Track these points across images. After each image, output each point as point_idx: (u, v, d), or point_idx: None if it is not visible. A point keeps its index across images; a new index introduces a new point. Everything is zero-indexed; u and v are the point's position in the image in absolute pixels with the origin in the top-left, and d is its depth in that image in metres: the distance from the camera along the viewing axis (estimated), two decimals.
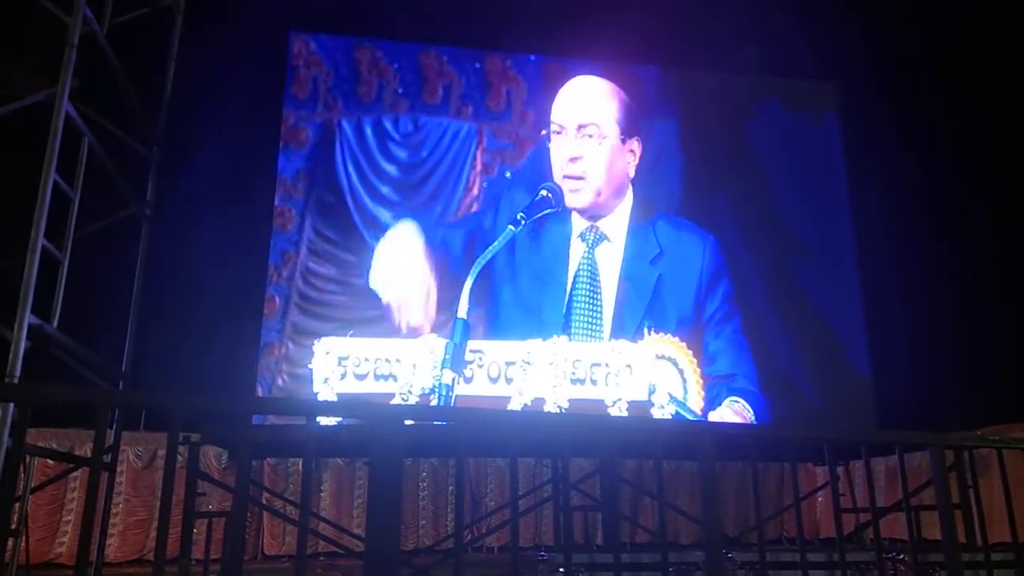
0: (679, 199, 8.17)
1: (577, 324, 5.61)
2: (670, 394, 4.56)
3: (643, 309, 5.53)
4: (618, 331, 5.51)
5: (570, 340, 5.14)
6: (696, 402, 4.85)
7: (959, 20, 8.03)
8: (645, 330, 4.93)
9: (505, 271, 5.66)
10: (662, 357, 4.85)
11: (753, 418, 5.15)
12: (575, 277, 5.72)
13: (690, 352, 4.89)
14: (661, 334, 4.91)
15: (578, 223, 5.74)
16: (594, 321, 5.63)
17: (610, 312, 5.65)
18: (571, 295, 5.68)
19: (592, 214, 5.69)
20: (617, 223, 5.74)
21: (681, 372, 4.87)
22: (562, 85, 7.18)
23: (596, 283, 5.67)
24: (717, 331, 5.68)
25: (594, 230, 5.71)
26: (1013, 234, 7.91)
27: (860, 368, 8.26)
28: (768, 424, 5.58)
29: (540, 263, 5.72)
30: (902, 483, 3.56)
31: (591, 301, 5.62)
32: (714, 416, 5.04)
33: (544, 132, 5.81)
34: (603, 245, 5.71)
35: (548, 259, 5.73)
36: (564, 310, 5.67)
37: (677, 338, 4.94)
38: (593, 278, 5.67)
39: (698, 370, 4.84)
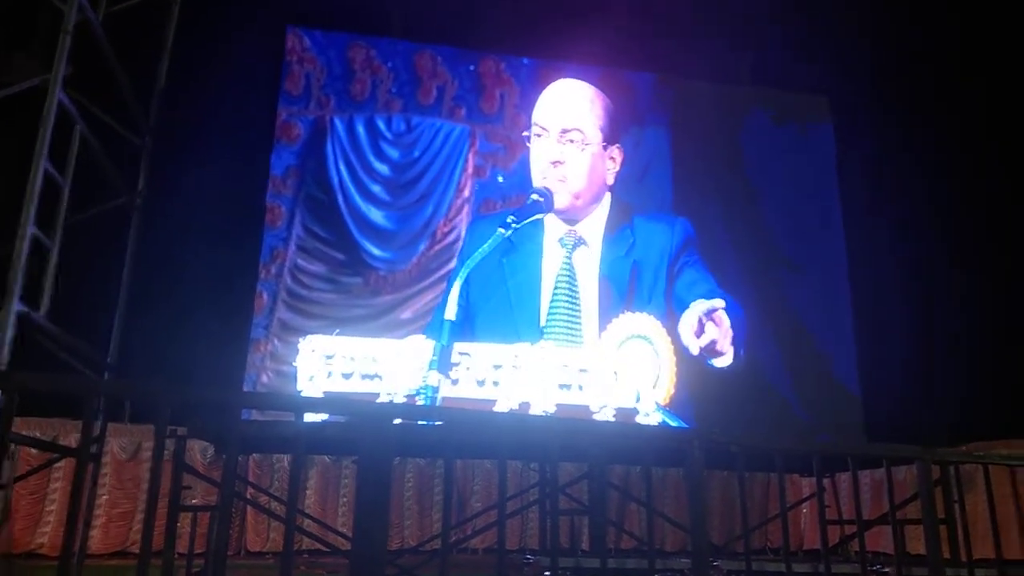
0: (669, 207, 8.19)
1: (557, 329, 5.60)
2: (656, 403, 4.53)
3: (623, 300, 5.54)
4: (601, 330, 5.49)
5: (551, 345, 5.09)
6: (669, 380, 4.75)
7: (954, 34, 8.09)
8: (620, 314, 4.88)
9: (483, 276, 5.59)
10: (634, 336, 4.78)
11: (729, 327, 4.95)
12: (555, 282, 5.70)
13: (663, 329, 4.79)
14: (635, 313, 4.86)
15: (556, 227, 5.72)
16: (572, 326, 5.62)
17: (589, 315, 5.65)
18: (552, 300, 5.67)
19: (569, 217, 5.68)
20: (594, 226, 5.74)
21: (653, 345, 4.79)
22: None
23: (575, 288, 5.67)
24: (680, 270, 5.65)
25: (572, 234, 5.71)
26: (1005, 251, 7.96)
27: (848, 383, 8.30)
28: (758, 434, 5.58)
29: (518, 267, 5.69)
30: (889, 496, 3.57)
31: (570, 305, 5.62)
32: (685, 318, 4.86)
33: (525, 133, 5.78)
34: (581, 249, 5.71)
35: (526, 263, 5.70)
36: (543, 315, 5.65)
37: (651, 316, 4.87)
38: (572, 282, 5.67)
39: (673, 348, 4.76)
